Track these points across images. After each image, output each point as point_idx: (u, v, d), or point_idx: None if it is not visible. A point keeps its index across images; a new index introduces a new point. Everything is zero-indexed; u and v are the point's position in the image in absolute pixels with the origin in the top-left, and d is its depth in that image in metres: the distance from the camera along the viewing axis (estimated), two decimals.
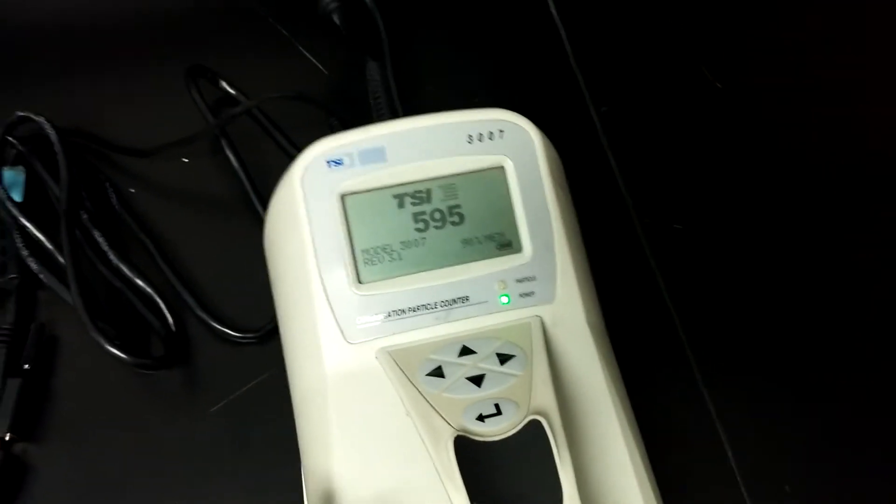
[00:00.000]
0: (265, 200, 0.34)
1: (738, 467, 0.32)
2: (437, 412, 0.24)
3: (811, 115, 0.40)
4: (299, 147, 0.36)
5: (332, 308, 0.26)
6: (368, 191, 0.27)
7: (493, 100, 0.40)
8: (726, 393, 0.34)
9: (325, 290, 0.26)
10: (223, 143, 0.36)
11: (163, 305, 0.33)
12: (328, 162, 0.27)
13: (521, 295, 0.27)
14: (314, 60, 0.39)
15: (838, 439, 0.33)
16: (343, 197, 0.27)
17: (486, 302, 0.27)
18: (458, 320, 0.27)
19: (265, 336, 0.33)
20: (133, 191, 0.36)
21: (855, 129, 0.40)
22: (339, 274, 0.27)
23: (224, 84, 0.38)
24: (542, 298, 0.27)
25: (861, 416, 0.33)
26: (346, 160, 0.27)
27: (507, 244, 0.28)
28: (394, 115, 0.34)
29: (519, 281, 0.27)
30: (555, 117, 0.39)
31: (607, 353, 0.28)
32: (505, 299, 0.27)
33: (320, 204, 0.27)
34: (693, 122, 0.40)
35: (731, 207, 0.38)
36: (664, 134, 0.39)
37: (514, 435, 0.23)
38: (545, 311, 0.27)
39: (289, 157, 0.37)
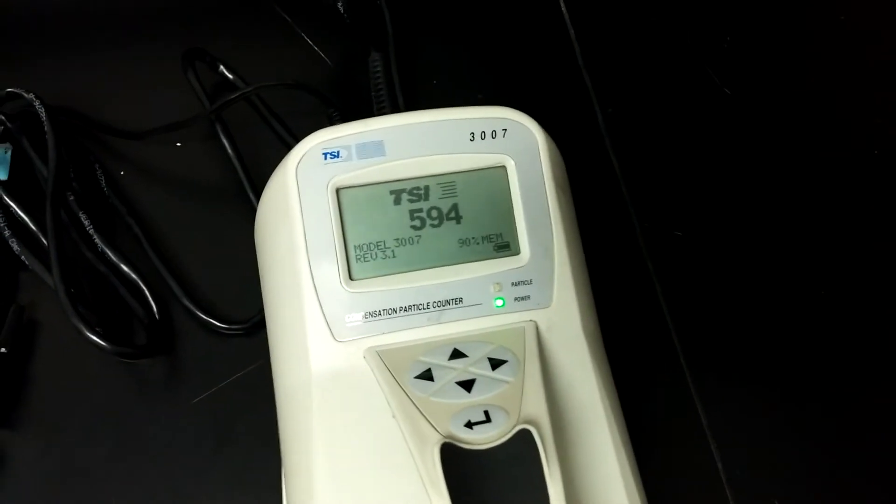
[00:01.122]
0: (258, 189, 0.33)
1: (727, 479, 0.32)
2: (425, 417, 0.23)
3: (820, 125, 0.40)
4: (297, 136, 0.36)
5: (321, 304, 0.26)
6: (365, 185, 0.27)
7: (498, 96, 0.39)
8: (719, 404, 0.33)
9: (314, 286, 0.26)
10: (218, 129, 0.35)
11: (147, 293, 0.32)
12: (325, 154, 0.26)
13: (516, 299, 0.26)
14: (317, 49, 0.39)
15: (830, 454, 0.32)
16: (338, 191, 0.26)
17: (481, 304, 0.26)
18: (450, 322, 0.26)
19: (252, 328, 0.32)
20: (123, 173, 0.35)
21: (864, 140, 0.39)
22: (331, 269, 0.26)
23: (223, 69, 0.37)
24: (537, 303, 0.27)
25: (854, 432, 0.33)
26: (343, 153, 0.26)
27: (504, 246, 0.27)
28: (395, 108, 0.33)
29: (515, 284, 0.27)
30: (560, 117, 0.39)
31: (602, 362, 0.27)
32: (500, 302, 0.26)
33: (315, 197, 0.26)
34: (699, 128, 0.39)
35: (734, 216, 0.37)
36: (669, 138, 0.39)
37: (502, 444, 0.22)
38: (540, 316, 0.26)
39: (286, 146, 0.36)
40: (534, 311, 0.26)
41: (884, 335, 0.35)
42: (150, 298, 0.32)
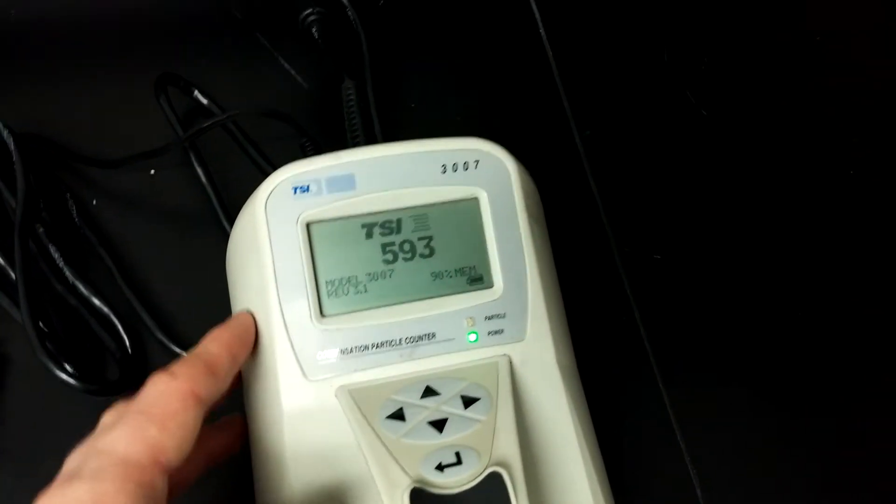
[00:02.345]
0: (233, 217, 0.33)
1: None
2: (395, 460, 0.23)
3: (797, 146, 0.40)
4: (272, 161, 0.36)
5: (291, 342, 0.25)
6: (335, 219, 0.26)
7: (476, 118, 0.39)
8: (699, 431, 0.33)
9: (284, 323, 0.25)
10: (192, 156, 0.34)
11: (119, 326, 0.31)
12: (294, 188, 0.26)
13: (489, 333, 0.26)
14: (294, 73, 0.38)
15: (812, 487, 0.32)
16: (309, 225, 0.26)
17: (454, 339, 0.26)
18: (423, 358, 0.26)
19: None
20: (95, 202, 0.35)
21: (841, 161, 0.39)
22: (301, 305, 0.25)
23: (197, 94, 0.36)
24: (511, 337, 0.26)
25: (834, 453, 0.33)
26: (313, 187, 0.26)
27: (477, 279, 0.27)
28: (370, 137, 0.33)
29: (488, 318, 0.26)
30: (538, 139, 0.39)
31: (577, 394, 0.27)
32: (473, 337, 0.26)
33: (284, 231, 0.26)
34: (677, 150, 0.39)
35: (713, 239, 0.37)
36: (647, 160, 0.39)
37: (473, 487, 0.22)
38: (514, 350, 0.26)
39: (261, 172, 0.36)
40: (508, 344, 0.26)
41: (862, 355, 0.35)
42: (122, 332, 0.31)
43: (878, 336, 0.35)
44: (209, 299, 0.32)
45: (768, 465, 0.32)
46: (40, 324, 0.29)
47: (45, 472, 0.30)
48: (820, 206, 0.38)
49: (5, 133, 0.32)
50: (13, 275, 0.30)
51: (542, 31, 0.41)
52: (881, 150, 0.40)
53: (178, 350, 0.32)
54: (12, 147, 0.32)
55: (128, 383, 0.31)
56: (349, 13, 0.37)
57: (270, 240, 0.26)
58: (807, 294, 0.36)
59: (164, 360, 0.32)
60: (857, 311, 0.36)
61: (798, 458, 0.33)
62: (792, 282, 0.36)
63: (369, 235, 0.26)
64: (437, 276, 0.27)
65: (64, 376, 0.28)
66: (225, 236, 0.33)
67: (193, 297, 0.33)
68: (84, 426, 0.31)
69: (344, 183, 0.26)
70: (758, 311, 0.35)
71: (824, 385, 0.34)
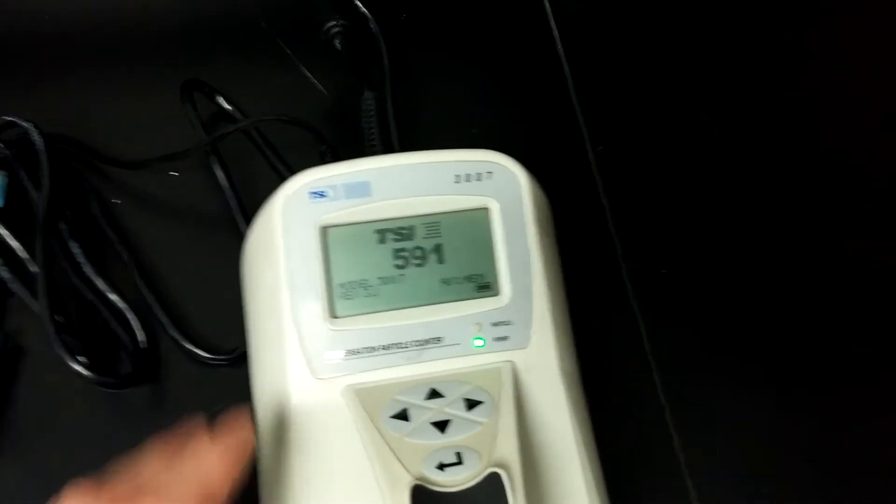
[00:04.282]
0: (251, 220, 0.34)
1: None
2: (397, 457, 0.23)
3: (807, 168, 0.40)
4: (291, 167, 0.36)
5: (301, 340, 0.26)
6: (350, 224, 0.27)
7: (491, 130, 0.40)
8: (700, 444, 0.33)
9: (295, 322, 0.26)
10: (213, 160, 0.35)
11: (133, 322, 0.32)
12: (311, 193, 0.27)
13: (495, 339, 0.27)
14: (314, 80, 0.39)
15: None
16: (324, 229, 0.27)
17: (460, 344, 0.27)
18: (429, 361, 0.26)
19: (237, 359, 0.32)
20: (117, 201, 0.36)
21: (852, 183, 0.40)
22: (313, 306, 0.26)
23: (220, 100, 0.37)
24: (516, 343, 0.27)
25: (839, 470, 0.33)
26: (329, 192, 0.27)
27: (485, 286, 0.27)
28: (387, 146, 0.34)
29: (495, 324, 0.27)
30: (552, 153, 0.40)
31: (578, 402, 0.28)
32: (479, 342, 0.27)
33: (300, 235, 0.27)
34: (689, 167, 0.39)
35: (719, 255, 0.37)
36: (658, 177, 0.39)
37: (472, 487, 0.23)
38: (518, 357, 0.27)
39: (280, 177, 0.37)
40: (512, 351, 0.27)
41: (871, 371, 0.35)
42: (136, 327, 0.32)
43: (889, 352, 0.36)
44: (221, 298, 0.33)
45: (768, 476, 0.32)
46: (57, 317, 0.30)
47: (56, 461, 0.31)
48: (832, 228, 0.38)
49: (34, 133, 0.33)
50: (33, 268, 0.31)
51: (559, 47, 0.42)
52: None
53: (189, 346, 0.32)
54: (40, 147, 0.33)
55: (139, 377, 0.31)
56: (371, 26, 0.38)
57: (286, 241, 0.26)
58: (816, 312, 0.36)
59: (177, 356, 0.33)
60: (870, 330, 0.36)
61: (804, 478, 0.33)
62: (801, 301, 0.37)
63: (382, 241, 0.27)
64: (446, 282, 0.27)
65: (78, 367, 0.28)
66: (240, 238, 0.34)
67: (207, 296, 0.34)
68: (95, 419, 0.32)
69: (360, 189, 0.27)
70: (764, 328, 0.36)
71: (833, 398, 0.34)
